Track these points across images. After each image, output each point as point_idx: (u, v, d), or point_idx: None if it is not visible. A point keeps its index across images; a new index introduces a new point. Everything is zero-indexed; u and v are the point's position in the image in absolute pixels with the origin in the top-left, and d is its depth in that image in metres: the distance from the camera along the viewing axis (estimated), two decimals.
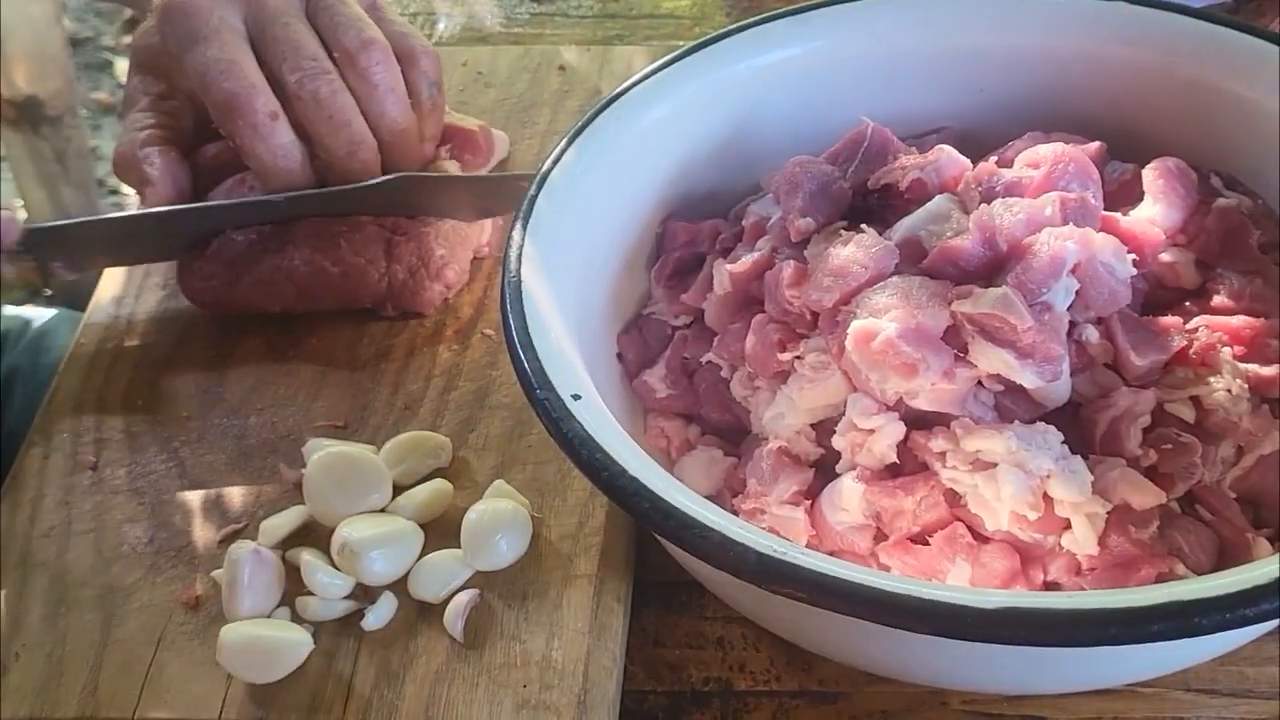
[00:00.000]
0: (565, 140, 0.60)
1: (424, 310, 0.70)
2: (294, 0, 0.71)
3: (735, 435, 0.62)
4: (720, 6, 0.98)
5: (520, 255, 0.55)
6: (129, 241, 0.72)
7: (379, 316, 0.71)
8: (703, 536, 0.45)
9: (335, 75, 0.69)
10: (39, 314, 0.95)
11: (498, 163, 0.80)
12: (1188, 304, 0.58)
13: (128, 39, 2.51)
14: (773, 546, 0.44)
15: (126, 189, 0.83)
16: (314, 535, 0.59)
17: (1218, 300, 0.57)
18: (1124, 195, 0.62)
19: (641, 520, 0.47)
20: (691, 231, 0.65)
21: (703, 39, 0.66)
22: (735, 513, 0.56)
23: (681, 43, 0.92)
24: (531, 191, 0.58)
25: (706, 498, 0.59)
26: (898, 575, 0.51)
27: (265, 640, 0.54)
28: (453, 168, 0.76)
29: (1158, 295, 0.59)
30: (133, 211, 0.73)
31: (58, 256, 0.71)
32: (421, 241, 0.70)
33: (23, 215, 2.03)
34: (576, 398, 0.50)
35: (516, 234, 0.56)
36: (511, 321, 0.52)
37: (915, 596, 0.42)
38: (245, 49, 0.69)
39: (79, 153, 1.94)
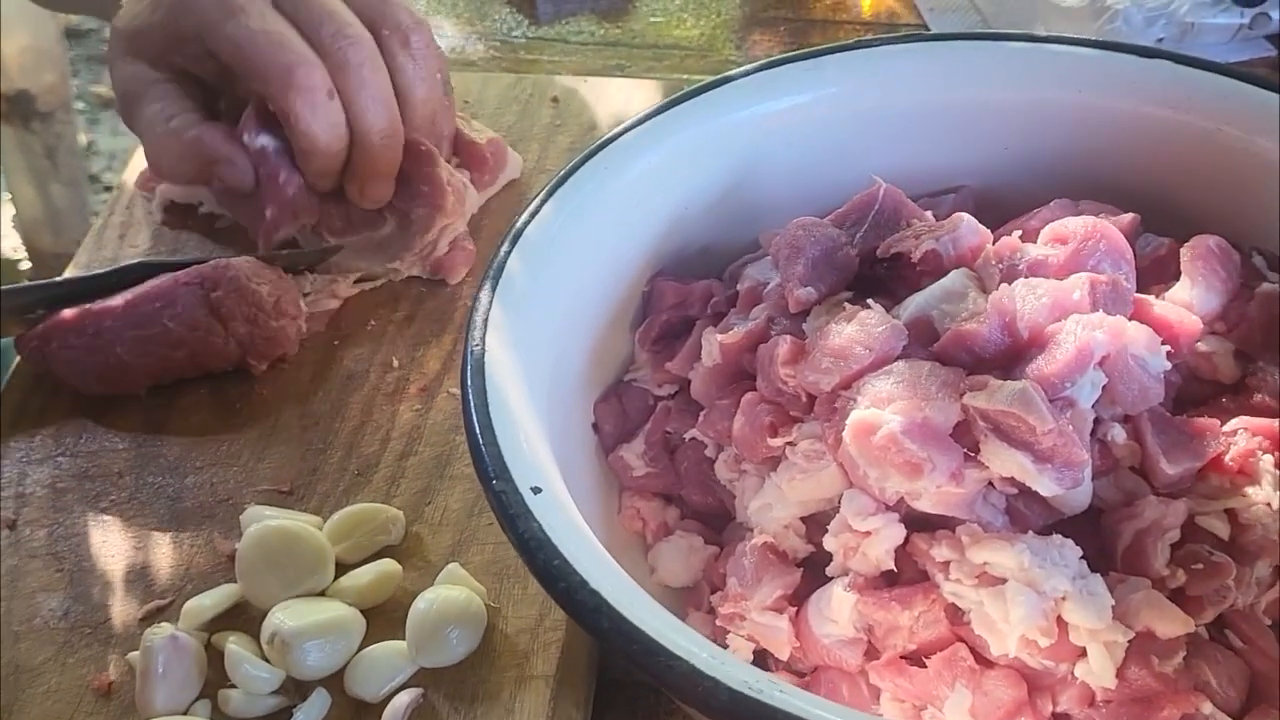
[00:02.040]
0: (544, 193, 0.54)
1: (289, 349, 0.66)
2: None
3: (718, 520, 0.57)
4: (729, 39, 0.92)
5: (486, 322, 0.49)
6: None
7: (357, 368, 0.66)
8: (669, 666, 0.40)
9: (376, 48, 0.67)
10: None
11: (508, 183, 0.76)
12: (1224, 400, 0.53)
13: None
14: (747, 683, 0.39)
15: (116, 185, 0.77)
16: (245, 616, 0.54)
17: (1258, 399, 0.52)
18: (1157, 271, 0.57)
19: (600, 640, 0.41)
20: (682, 292, 0.59)
21: (704, 83, 0.60)
22: (713, 612, 0.51)
23: (685, 76, 0.87)
24: (504, 249, 0.52)
25: (684, 589, 0.55)
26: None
27: None
28: (460, 179, 0.72)
29: (1191, 389, 0.54)
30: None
31: None
32: (240, 287, 0.64)
33: (10, 211, 1.99)
34: (537, 491, 0.44)
35: (484, 297, 0.50)
36: (471, 399, 0.46)
37: None
38: (285, 20, 0.65)
39: (70, 149, 1.89)
